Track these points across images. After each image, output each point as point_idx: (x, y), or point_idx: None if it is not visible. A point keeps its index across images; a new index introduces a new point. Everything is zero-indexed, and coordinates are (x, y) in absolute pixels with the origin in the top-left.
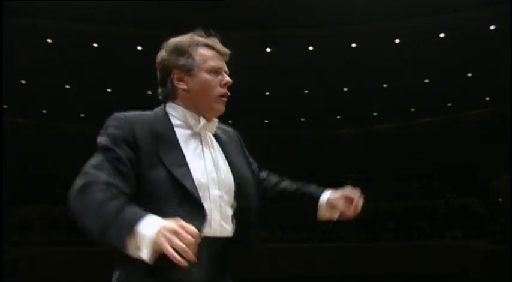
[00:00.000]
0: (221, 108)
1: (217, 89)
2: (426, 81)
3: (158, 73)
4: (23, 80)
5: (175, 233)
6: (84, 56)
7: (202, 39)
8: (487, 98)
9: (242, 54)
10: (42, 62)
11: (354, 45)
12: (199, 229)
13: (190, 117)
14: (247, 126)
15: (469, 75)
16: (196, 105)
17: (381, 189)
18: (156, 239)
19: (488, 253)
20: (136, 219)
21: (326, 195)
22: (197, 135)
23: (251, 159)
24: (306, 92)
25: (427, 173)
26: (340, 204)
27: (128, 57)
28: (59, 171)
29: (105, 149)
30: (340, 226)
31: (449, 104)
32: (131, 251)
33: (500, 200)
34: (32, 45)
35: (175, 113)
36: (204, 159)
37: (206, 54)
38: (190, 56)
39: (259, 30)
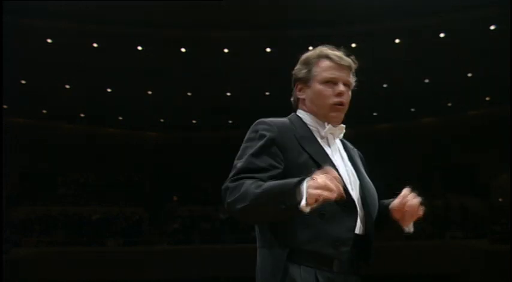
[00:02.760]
0: (334, 116)
1: (329, 99)
2: (426, 81)
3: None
4: (23, 80)
5: (323, 180)
6: (84, 56)
7: (324, 52)
8: (487, 98)
9: (242, 54)
10: (42, 62)
11: (354, 45)
12: (352, 223)
13: (316, 123)
14: (247, 127)
15: (469, 75)
16: (315, 113)
17: (381, 189)
18: (310, 184)
19: (488, 253)
20: (295, 181)
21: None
22: (325, 139)
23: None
24: None
25: (427, 173)
26: (396, 206)
27: (128, 57)
28: (59, 171)
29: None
30: None
31: (449, 104)
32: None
33: (500, 200)
34: (32, 45)
35: (306, 118)
36: (335, 161)
37: (323, 65)
38: (310, 68)
39: (260, 30)
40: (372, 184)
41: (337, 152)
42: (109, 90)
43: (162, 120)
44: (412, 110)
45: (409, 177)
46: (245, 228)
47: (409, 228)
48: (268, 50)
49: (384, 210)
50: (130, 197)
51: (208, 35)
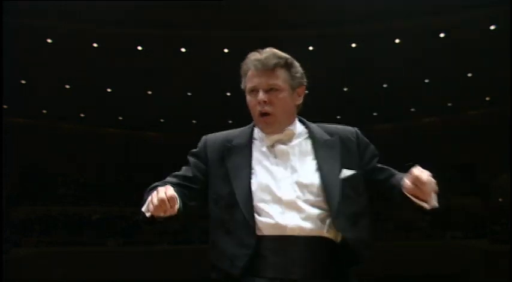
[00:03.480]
0: (262, 127)
1: (255, 109)
2: (426, 81)
3: None
4: (23, 80)
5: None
6: (84, 56)
7: (247, 60)
8: (487, 98)
9: (242, 54)
10: (42, 62)
11: (354, 45)
12: (249, 239)
13: (258, 132)
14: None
15: (469, 75)
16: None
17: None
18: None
19: (488, 253)
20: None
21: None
22: (272, 146)
23: (365, 160)
24: (306, 92)
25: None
26: (409, 186)
27: (128, 57)
28: (59, 171)
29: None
30: None
31: (449, 104)
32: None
33: (500, 200)
34: (32, 45)
35: (256, 128)
36: (277, 166)
37: (249, 74)
38: (243, 79)
39: (259, 30)
40: (335, 172)
41: (285, 157)
42: (109, 90)
43: (162, 120)
44: (412, 110)
45: None
46: None
47: (432, 202)
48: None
49: (396, 191)
50: (130, 197)
51: (208, 35)
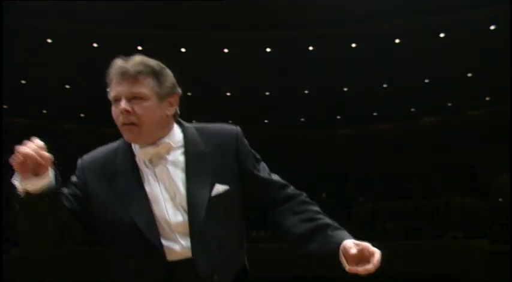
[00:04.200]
0: (127, 137)
1: (118, 119)
2: (426, 81)
3: None
4: (23, 80)
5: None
6: (84, 56)
7: (113, 67)
8: (487, 98)
9: (242, 54)
10: (42, 62)
11: (354, 45)
12: (160, 269)
13: (135, 147)
14: (247, 127)
15: (469, 75)
16: None
17: (381, 189)
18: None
19: (488, 253)
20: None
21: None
22: (151, 162)
23: (246, 168)
24: (306, 92)
25: (427, 173)
26: (351, 253)
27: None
28: (59, 171)
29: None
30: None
31: (449, 104)
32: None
33: (500, 200)
34: (32, 45)
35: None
36: (160, 188)
37: (112, 83)
38: (110, 87)
39: (259, 30)
40: (204, 190)
41: (165, 176)
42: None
43: None
44: (412, 110)
45: (409, 177)
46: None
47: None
48: (268, 50)
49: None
50: None
51: (208, 35)
